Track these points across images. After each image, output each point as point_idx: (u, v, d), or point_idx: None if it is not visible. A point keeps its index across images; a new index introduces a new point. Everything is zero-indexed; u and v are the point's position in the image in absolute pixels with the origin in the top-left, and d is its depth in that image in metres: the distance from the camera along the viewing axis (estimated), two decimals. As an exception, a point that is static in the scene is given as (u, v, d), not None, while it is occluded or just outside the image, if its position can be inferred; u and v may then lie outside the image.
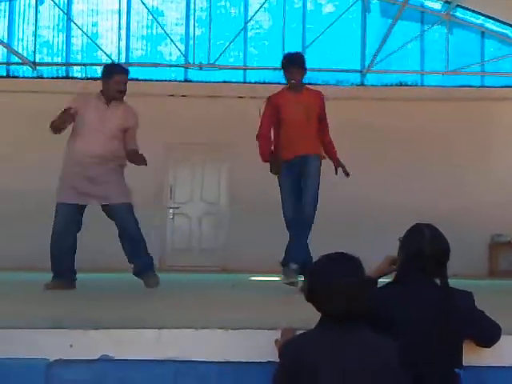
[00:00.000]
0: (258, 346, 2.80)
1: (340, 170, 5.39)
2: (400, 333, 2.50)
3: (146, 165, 5.05)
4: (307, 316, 2.44)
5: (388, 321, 2.55)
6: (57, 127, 4.96)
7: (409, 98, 10.24)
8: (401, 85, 10.64)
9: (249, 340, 2.85)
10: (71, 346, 2.82)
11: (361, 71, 10.53)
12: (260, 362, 2.79)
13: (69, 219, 5.00)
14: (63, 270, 5.02)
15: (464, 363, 2.63)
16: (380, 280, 2.88)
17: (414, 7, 10.47)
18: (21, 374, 2.81)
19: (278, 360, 2.46)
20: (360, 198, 9.80)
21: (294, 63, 5.24)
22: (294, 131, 5.15)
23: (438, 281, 2.67)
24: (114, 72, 5.13)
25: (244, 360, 2.83)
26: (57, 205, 5.03)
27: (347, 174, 5.38)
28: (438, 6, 10.71)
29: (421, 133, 10.12)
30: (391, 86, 10.62)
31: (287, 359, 2.36)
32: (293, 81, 5.21)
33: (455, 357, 2.61)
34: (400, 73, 10.52)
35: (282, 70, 5.32)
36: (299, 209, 5.10)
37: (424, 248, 2.66)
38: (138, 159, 5.03)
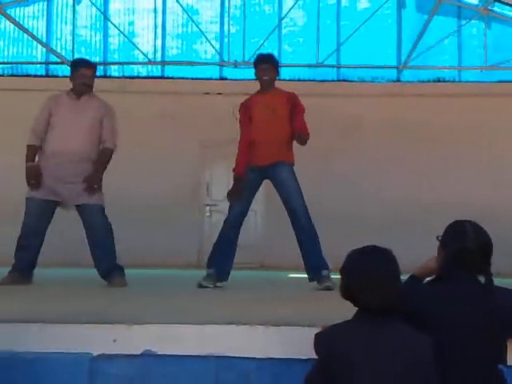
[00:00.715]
0: (299, 343, 2.81)
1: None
2: (441, 329, 2.48)
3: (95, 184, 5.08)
4: (347, 312, 2.44)
5: (430, 317, 2.52)
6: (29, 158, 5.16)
7: (446, 94, 10.11)
8: (438, 81, 10.51)
9: (289, 337, 2.86)
10: (115, 340, 2.86)
11: (397, 67, 10.43)
12: (300, 359, 2.79)
13: (38, 214, 5.08)
14: (24, 265, 5.10)
15: (509, 362, 2.59)
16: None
17: (450, 2, 10.32)
18: (65, 368, 2.85)
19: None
20: (402, 196, 9.71)
21: (261, 61, 5.24)
22: (261, 134, 5.11)
23: (481, 278, 2.64)
24: (79, 65, 5.29)
25: (284, 356, 2.84)
26: (26, 199, 5.11)
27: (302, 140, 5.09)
28: (475, 0, 10.54)
29: (459, 129, 9.97)
30: (428, 82, 10.51)
31: (320, 349, 2.37)
32: (265, 77, 5.18)
33: (499, 355, 2.58)
34: (437, 69, 10.40)
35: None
36: (291, 216, 5.10)
37: (467, 243, 2.63)
38: (89, 183, 5.06)
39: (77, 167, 5.06)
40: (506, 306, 2.59)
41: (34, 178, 5.02)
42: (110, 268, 5.09)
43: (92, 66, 5.36)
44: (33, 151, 5.16)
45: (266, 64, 5.22)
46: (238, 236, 5.17)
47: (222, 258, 5.08)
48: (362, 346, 2.27)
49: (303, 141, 5.02)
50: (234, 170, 5.25)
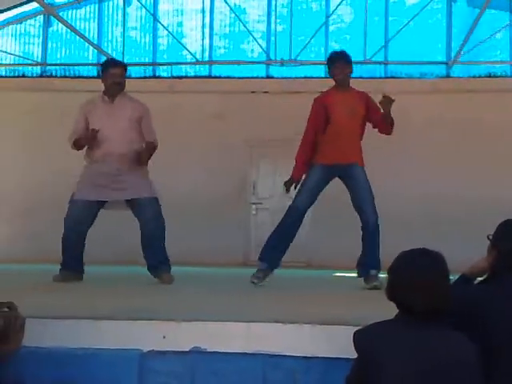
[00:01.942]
0: (345, 342, 2.80)
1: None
2: (493, 332, 2.44)
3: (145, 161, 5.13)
4: (391, 313, 2.43)
5: (480, 319, 2.49)
6: (82, 146, 5.21)
7: (498, 90, 9.87)
8: (489, 76, 10.27)
9: (335, 336, 2.86)
10: (164, 337, 2.91)
11: (446, 63, 10.25)
12: (347, 358, 2.79)
13: (82, 215, 5.16)
14: (72, 263, 5.21)
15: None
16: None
17: (502, -5, 10.09)
18: (115, 364, 2.91)
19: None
20: (448, 193, 9.56)
21: (338, 58, 5.16)
22: (340, 133, 5.07)
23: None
24: (108, 66, 5.30)
25: (331, 356, 2.85)
26: (72, 201, 5.19)
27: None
28: (528, -8, 10.28)
29: (511, 126, 9.74)
30: (479, 77, 10.29)
31: (358, 348, 2.35)
32: (342, 75, 5.10)
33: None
34: (488, 64, 10.17)
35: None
36: (361, 217, 5.08)
37: None
38: (143, 157, 5.12)
39: (125, 166, 5.14)
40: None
41: (93, 135, 5.06)
42: (159, 262, 5.17)
43: (120, 64, 5.39)
44: (78, 138, 5.21)
45: (343, 61, 5.14)
46: (297, 232, 5.18)
47: (275, 252, 5.09)
48: (402, 350, 2.24)
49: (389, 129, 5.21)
50: (292, 174, 5.23)
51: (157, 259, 5.16)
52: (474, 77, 10.30)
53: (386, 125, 5.18)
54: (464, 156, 9.72)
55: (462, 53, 9.67)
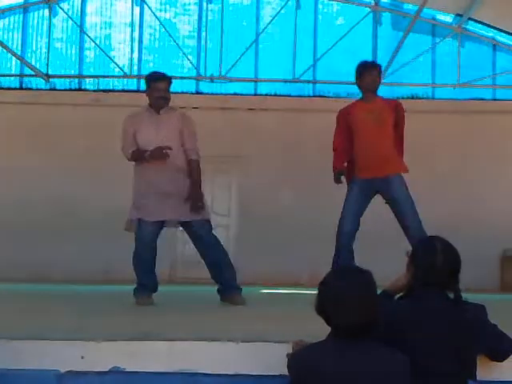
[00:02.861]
0: (269, 359, 2.79)
1: None
2: (412, 346, 2.48)
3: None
4: (318, 329, 2.43)
5: (400, 334, 2.53)
6: (141, 159, 5.01)
7: (420, 111, 10.20)
8: (412, 97, 10.62)
9: (259, 353, 2.84)
10: (82, 357, 2.82)
11: (372, 84, 10.51)
12: (271, 375, 2.78)
13: (146, 236, 4.97)
14: (148, 284, 5.00)
15: (478, 377, 2.60)
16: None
17: (425, 20, 10.47)
18: (32, 385, 2.81)
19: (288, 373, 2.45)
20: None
21: (371, 67, 5.17)
22: (366, 144, 5.00)
23: (450, 294, 2.65)
24: (151, 81, 5.12)
25: (255, 373, 2.82)
26: (134, 222, 5.00)
27: None
28: (449, 18, 10.72)
29: (432, 146, 10.08)
30: (402, 98, 10.58)
31: (295, 371, 2.36)
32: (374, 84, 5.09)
33: (468, 370, 2.58)
34: (411, 85, 10.51)
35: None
36: (405, 232, 4.96)
37: (436, 261, 2.64)
38: (195, 196, 4.95)
39: (174, 179, 4.94)
40: (476, 321, 2.61)
41: (161, 152, 4.86)
42: (228, 284, 5.02)
43: (166, 78, 5.17)
44: (138, 150, 5.00)
45: (376, 70, 5.15)
46: (353, 255, 4.97)
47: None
48: (336, 367, 2.26)
49: None
50: (333, 169, 5.18)
51: (225, 280, 5.03)
52: (397, 98, 10.58)
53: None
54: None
55: (386, 74, 9.94)
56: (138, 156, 5.00)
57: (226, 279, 5.01)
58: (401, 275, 2.82)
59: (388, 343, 2.39)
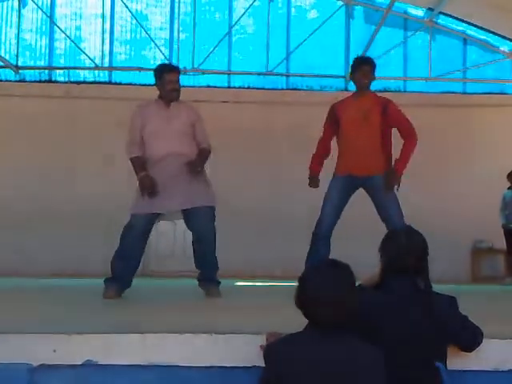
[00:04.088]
0: (243, 351, 2.80)
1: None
2: (384, 336, 2.51)
3: (197, 170, 4.94)
4: (292, 320, 2.44)
5: (372, 325, 2.56)
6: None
7: (392, 104, 10.30)
8: (384, 91, 10.59)
9: (233, 344, 2.84)
10: (54, 350, 2.79)
11: (344, 77, 10.57)
12: (245, 367, 2.79)
13: (140, 230, 4.87)
14: (124, 278, 4.92)
15: (448, 367, 2.64)
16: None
17: (397, 14, 10.55)
18: (3, 379, 2.77)
19: (263, 364, 2.46)
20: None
21: (364, 63, 5.12)
22: (351, 141, 4.98)
23: (421, 284, 2.69)
24: (163, 72, 4.99)
25: (229, 365, 2.82)
26: (131, 215, 4.89)
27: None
28: (420, 12, 10.81)
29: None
30: (375, 91, 10.66)
31: (270, 362, 2.37)
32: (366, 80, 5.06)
33: (438, 360, 2.62)
34: (383, 79, 10.53)
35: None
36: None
37: (399, 246, 2.70)
38: (195, 165, 4.91)
39: (182, 168, 4.84)
40: (446, 312, 2.65)
41: (150, 187, 4.75)
42: (208, 276, 4.99)
43: (177, 69, 5.10)
44: (140, 161, 4.88)
45: (369, 66, 5.09)
46: (330, 247, 4.96)
47: None
48: (311, 359, 2.27)
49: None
50: (309, 168, 5.25)
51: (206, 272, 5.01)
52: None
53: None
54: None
55: (359, 67, 10.00)
56: (135, 167, 4.91)
57: (207, 271, 5.01)
58: (377, 270, 2.85)
59: (361, 333, 2.41)
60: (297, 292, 2.39)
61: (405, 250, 2.69)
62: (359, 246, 8.17)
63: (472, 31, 10.84)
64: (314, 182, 5.22)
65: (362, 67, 5.07)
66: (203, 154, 5.04)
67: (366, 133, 4.94)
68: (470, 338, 2.74)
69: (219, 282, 5.04)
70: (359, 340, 2.36)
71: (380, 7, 10.52)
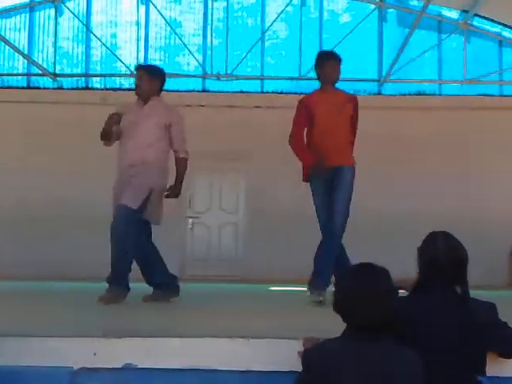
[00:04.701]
0: (280, 356, 2.81)
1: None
2: (422, 340, 2.49)
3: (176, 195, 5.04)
4: (329, 325, 2.45)
5: (410, 329, 2.54)
6: (104, 133, 5.02)
7: (427, 107, 10.21)
8: (419, 94, 10.61)
9: (270, 349, 2.86)
10: (95, 354, 2.84)
11: (378, 80, 10.52)
12: (282, 372, 2.80)
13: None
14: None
15: (487, 373, 2.61)
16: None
17: (431, 16, 10.44)
18: (45, 381, 2.82)
19: (299, 369, 2.47)
20: (385, 208, 9.71)
21: (331, 57, 5.11)
22: (327, 134, 4.98)
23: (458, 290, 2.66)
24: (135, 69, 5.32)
25: (266, 369, 2.84)
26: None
27: None
28: (455, 14, 10.68)
29: (439, 142, 10.06)
30: (409, 95, 10.60)
31: (308, 367, 2.37)
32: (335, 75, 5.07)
33: (478, 366, 2.59)
34: (418, 82, 10.49)
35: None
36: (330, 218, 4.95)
37: (438, 256, 2.66)
38: (173, 192, 5.01)
39: (134, 174, 4.90)
40: (485, 319, 2.61)
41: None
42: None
43: (138, 67, 5.32)
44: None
45: (336, 60, 5.10)
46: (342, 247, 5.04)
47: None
48: (350, 365, 2.27)
49: None
50: (305, 161, 5.08)
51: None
52: (404, 94, 10.61)
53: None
54: (394, 172, 9.95)
55: (392, 71, 9.94)
56: (103, 134, 5.05)
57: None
58: (414, 275, 2.83)
59: (398, 339, 2.40)
60: (334, 296, 2.40)
61: (444, 259, 2.64)
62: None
63: (507, 33, 10.68)
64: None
65: (331, 62, 5.07)
66: (180, 171, 5.05)
67: (340, 126, 5.02)
68: (510, 344, 2.70)
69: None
70: (398, 345, 2.35)
71: (414, 10, 10.44)
